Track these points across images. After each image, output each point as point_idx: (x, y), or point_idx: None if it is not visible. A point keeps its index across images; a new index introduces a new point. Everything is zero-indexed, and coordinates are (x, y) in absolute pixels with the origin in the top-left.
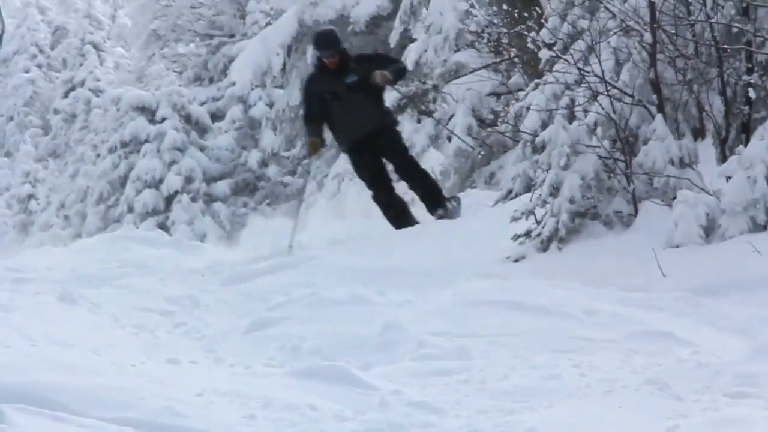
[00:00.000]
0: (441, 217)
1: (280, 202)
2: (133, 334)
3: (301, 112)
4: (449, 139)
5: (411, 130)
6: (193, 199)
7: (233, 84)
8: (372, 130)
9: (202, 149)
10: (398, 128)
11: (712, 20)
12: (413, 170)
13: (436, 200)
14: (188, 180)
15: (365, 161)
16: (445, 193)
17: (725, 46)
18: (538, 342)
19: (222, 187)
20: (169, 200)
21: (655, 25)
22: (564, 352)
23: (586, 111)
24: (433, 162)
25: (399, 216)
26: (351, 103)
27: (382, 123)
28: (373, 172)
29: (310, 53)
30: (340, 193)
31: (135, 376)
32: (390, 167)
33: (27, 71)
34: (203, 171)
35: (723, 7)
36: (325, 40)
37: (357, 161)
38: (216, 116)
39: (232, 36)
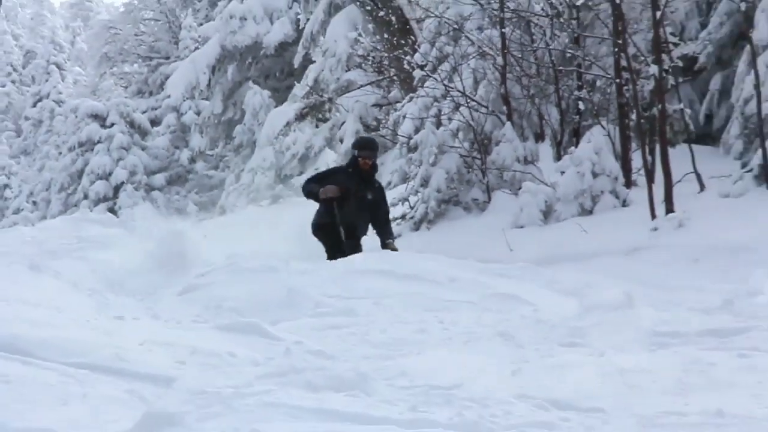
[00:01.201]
0: None
1: (205, 191)
2: (88, 296)
3: (307, 178)
4: (341, 140)
5: (311, 134)
6: (136, 189)
7: (168, 96)
8: (350, 235)
9: (143, 148)
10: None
11: (551, 47)
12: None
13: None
14: (132, 173)
15: (332, 244)
16: None
17: (560, 67)
18: (410, 303)
19: (159, 179)
20: (117, 189)
21: (505, 51)
22: (431, 311)
23: (450, 119)
24: (328, 159)
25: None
26: (356, 209)
27: (358, 235)
28: (333, 250)
29: (231, 73)
30: (254, 183)
31: (89, 329)
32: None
33: (3, 86)
34: (144, 166)
35: (559, 37)
36: (370, 144)
37: (328, 239)
38: (154, 122)
39: (167, 58)
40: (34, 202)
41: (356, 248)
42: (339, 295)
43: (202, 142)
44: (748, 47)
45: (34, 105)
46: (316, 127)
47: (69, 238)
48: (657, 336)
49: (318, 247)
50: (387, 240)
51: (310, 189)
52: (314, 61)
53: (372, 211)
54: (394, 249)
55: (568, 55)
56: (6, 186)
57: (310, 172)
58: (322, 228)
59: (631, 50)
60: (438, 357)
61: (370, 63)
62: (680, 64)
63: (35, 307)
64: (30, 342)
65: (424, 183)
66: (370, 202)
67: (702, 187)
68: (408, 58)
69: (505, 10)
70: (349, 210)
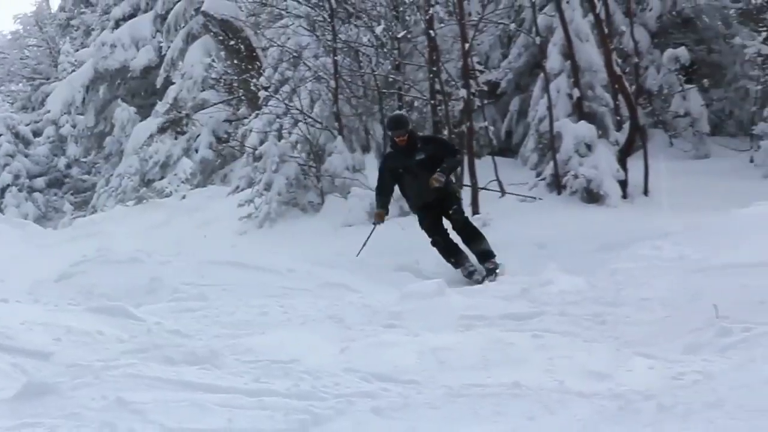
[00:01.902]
0: (489, 272)
1: (79, 193)
2: None
3: (376, 183)
4: (196, 150)
5: (171, 145)
6: (20, 191)
7: (48, 111)
8: (435, 198)
9: (26, 156)
10: (458, 195)
11: (376, 72)
12: (469, 231)
13: (484, 259)
14: (16, 177)
15: (428, 220)
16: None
17: (384, 90)
18: (255, 290)
19: (39, 182)
20: (3, 191)
21: (337, 75)
22: (273, 297)
23: (290, 133)
24: (185, 166)
25: (451, 253)
26: (419, 176)
27: (444, 192)
28: (432, 227)
29: (102, 92)
30: (121, 186)
31: None
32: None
33: None
34: (27, 171)
35: (383, 64)
36: (397, 121)
37: (422, 219)
38: (36, 133)
39: (48, 79)
40: None
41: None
42: (194, 283)
43: (77, 151)
44: (542, 75)
45: None
46: (175, 138)
47: None
48: (464, 319)
49: (173, 241)
50: (435, 174)
51: (376, 200)
52: (174, 83)
53: (435, 162)
54: (432, 183)
55: (391, 79)
56: None
57: (169, 178)
58: (419, 211)
59: (444, 76)
60: (278, 336)
61: (221, 84)
62: (485, 88)
63: None
64: None
65: (267, 187)
66: (426, 159)
67: (503, 192)
68: (254, 80)
69: (337, 40)
70: (414, 182)
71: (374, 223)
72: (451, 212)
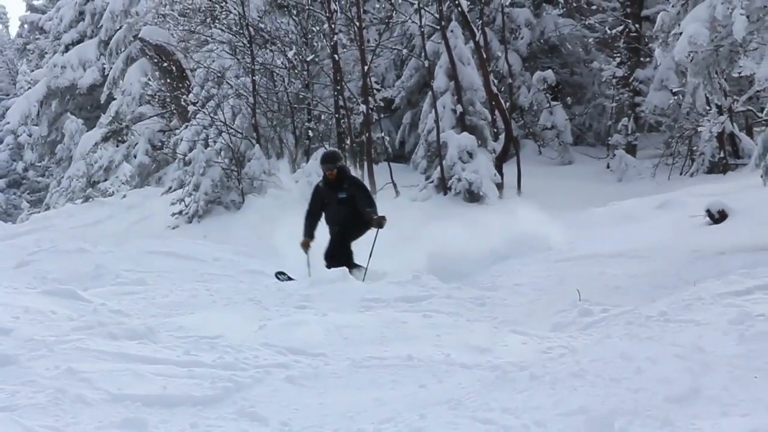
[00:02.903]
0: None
1: (35, 192)
2: None
3: (307, 209)
4: (135, 156)
5: (113, 151)
6: None
7: (8, 123)
8: (338, 233)
9: None
10: (351, 246)
11: (288, 90)
12: (340, 258)
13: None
14: None
15: (329, 247)
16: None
17: (295, 105)
18: (185, 276)
19: (0, 184)
20: None
21: (255, 93)
22: (201, 282)
23: (215, 141)
24: (125, 170)
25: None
26: (336, 211)
27: (348, 232)
28: (328, 255)
29: (54, 106)
30: (71, 187)
31: None
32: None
33: None
34: None
35: (294, 83)
36: (329, 157)
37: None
38: None
39: (7, 95)
40: None
41: (345, 257)
42: (133, 269)
43: (33, 156)
44: (430, 93)
45: None
46: (117, 146)
47: None
48: (364, 301)
49: (115, 234)
50: (370, 213)
51: (303, 229)
52: (115, 98)
53: (351, 204)
54: (376, 218)
55: (301, 96)
56: None
57: (111, 180)
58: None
59: (347, 94)
60: (205, 315)
61: (156, 100)
62: (382, 104)
63: None
64: None
65: (196, 188)
66: (345, 198)
67: (397, 193)
68: (184, 97)
69: (255, 63)
70: (331, 213)
71: (305, 252)
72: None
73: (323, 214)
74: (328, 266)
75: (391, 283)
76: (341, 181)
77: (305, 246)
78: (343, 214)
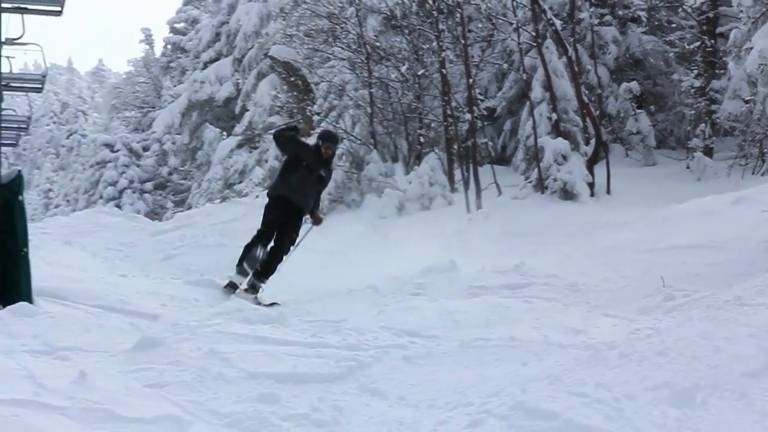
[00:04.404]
0: (251, 287)
1: (178, 194)
2: (102, 262)
3: (282, 133)
4: (266, 160)
5: (246, 157)
6: (133, 192)
7: (154, 132)
8: (297, 206)
9: (138, 166)
10: (304, 219)
11: (401, 101)
12: (277, 246)
13: (259, 275)
14: (131, 182)
15: (271, 217)
16: (265, 284)
17: (408, 114)
18: (310, 266)
19: (148, 186)
20: (121, 192)
21: (372, 103)
22: (325, 269)
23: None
24: (257, 173)
25: (247, 252)
26: (306, 180)
27: (304, 207)
28: (266, 227)
29: (194, 117)
30: (210, 189)
31: (104, 283)
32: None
33: (48, 125)
34: (138, 177)
35: (407, 95)
36: (333, 137)
37: (268, 211)
38: (145, 149)
39: (153, 107)
40: (68, 201)
41: (288, 237)
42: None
43: (176, 162)
44: (528, 102)
45: (68, 138)
46: (250, 152)
47: (90, 224)
48: (471, 288)
49: (249, 230)
50: (315, 209)
51: (283, 132)
52: (248, 110)
53: (318, 186)
54: (318, 216)
55: (413, 106)
56: (50, 190)
57: (245, 182)
58: (271, 199)
59: (454, 104)
60: (330, 302)
61: (284, 111)
62: (485, 113)
63: (68, 268)
64: (66, 291)
65: None
66: (322, 175)
67: (500, 192)
68: (309, 107)
69: (372, 77)
70: (299, 176)
71: (299, 129)
72: (288, 237)
73: (291, 171)
74: (255, 241)
75: (494, 271)
76: (329, 161)
77: (307, 123)
78: (310, 187)
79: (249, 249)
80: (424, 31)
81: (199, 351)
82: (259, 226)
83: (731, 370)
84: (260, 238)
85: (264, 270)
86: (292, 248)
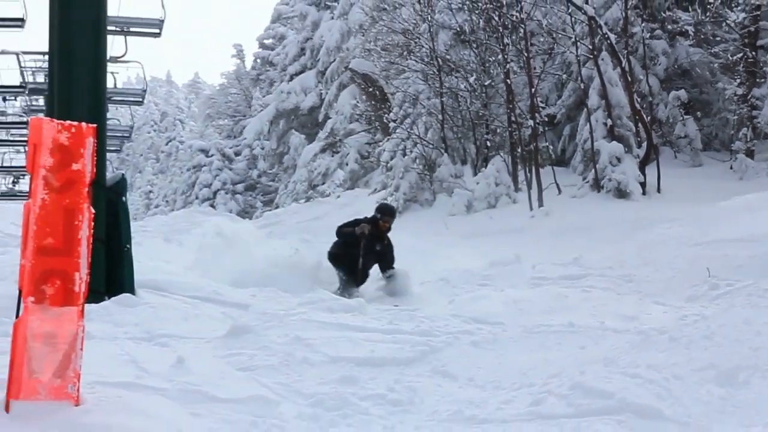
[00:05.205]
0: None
1: (267, 194)
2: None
3: (339, 227)
4: (347, 164)
5: (329, 160)
6: (226, 193)
7: (245, 138)
8: (361, 275)
9: (230, 169)
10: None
11: (470, 109)
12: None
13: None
14: (224, 184)
15: (348, 270)
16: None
17: (476, 121)
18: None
19: (239, 187)
20: (215, 193)
21: (443, 111)
22: (398, 264)
23: (411, 151)
24: (339, 175)
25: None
26: (365, 257)
27: (364, 276)
28: (349, 276)
29: (281, 125)
30: (296, 189)
31: (198, 276)
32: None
33: (149, 133)
34: (230, 179)
35: (475, 103)
36: (392, 211)
37: (344, 267)
38: (237, 153)
39: (244, 116)
40: (167, 201)
41: (365, 277)
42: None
43: (265, 165)
44: (585, 109)
45: (167, 144)
46: (332, 156)
47: (187, 223)
48: (534, 279)
49: (331, 227)
50: (389, 271)
51: (343, 230)
52: (330, 117)
53: (378, 258)
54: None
55: (480, 113)
56: (150, 191)
57: (328, 184)
58: (339, 257)
59: (518, 111)
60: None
61: (363, 118)
62: (546, 119)
63: (167, 263)
64: (165, 283)
65: (396, 189)
66: (378, 252)
67: (559, 191)
68: (386, 115)
69: (443, 87)
70: (356, 257)
71: (362, 233)
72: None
73: (350, 246)
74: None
75: (554, 264)
76: (384, 235)
77: (366, 229)
78: (370, 260)
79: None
80: (491, 45)
81: (285, 337)
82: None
83: None
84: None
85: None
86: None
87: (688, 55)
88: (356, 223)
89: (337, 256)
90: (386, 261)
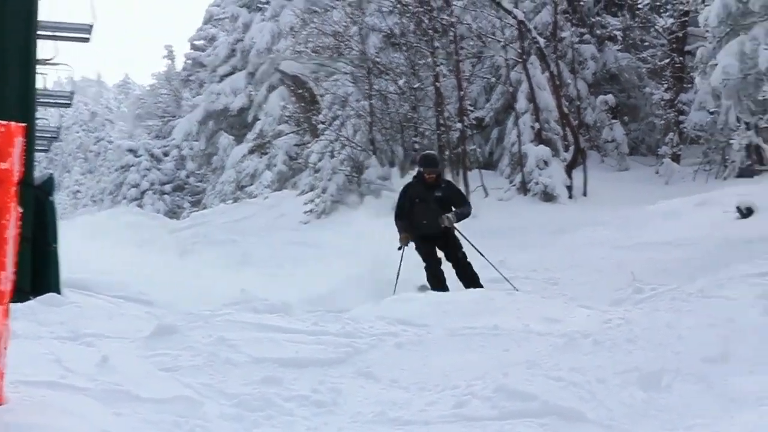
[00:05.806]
0: None
1: (194, 195)
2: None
3: (395, 210)
4: (275, 165)
5: (257, 162)
6: (154, 193)
7: (173, 139)
8: (435, 234)
9: (158, 169)
10: (459, 242)
11: (399, 111)
12: (468, 273)
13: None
14: (152, 184)
15: (424, 249)
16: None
17: (404, 124)
18: (314, 261)
19: (167, 188)
20: (143, 194)
21: (371, 113)
22: (326, 264)
23: (339, 153)
24: (267, 177)
25: (437, 283)
26: (430, 209)
27: (446, 233)
28: (428, 255)
29: (210, 125)
30: (224, 190)
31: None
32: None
33: (78, 132)
34: (158, 180)
35: (404, 105)
36: (432, 160)
37: (420, 247)
38: (165, 154)
39: (173, 116)
40: (94, 201)
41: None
42: (273, 256)
43: (194, 166)
44: (513, 113)
45: (95, 144)
46: (260, 157)
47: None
48: (458, 282)
49: (258, 228)
50: (448, 214)
51: (397, 225)
52: (259, 119)
53: (446, 203)
54: (442, 221)
55: (409, 116)
56: (78, 191)
57: (256, 185)
58: (415, 240)
59: (446, 114)
60: (335, 294)
61: (292, 120)
62: (474, 122)
63: (93, 262)
64: (91, 282)
65: (323, 191)
66: (442, 197)
67: (486, 194)
68: (315, 117)
69: (372, 89)
70: (422, 214)
71: (400, 247)
72: (459, 255)
73: (411, 214)
74: (431, 270)
75: (479, 267)
76: (438, 182)
77: (405, 240)
78: (436, 212)
79: (437, 282)
80: (421, 48)
81: (210, 338)
82: (423, 263)
83: (693, 357)
84: (431, 267)
85: (474, 283)
86: (465, 253)
87: (616, 60)
88: (403, 199)
89: (406, 227)
90: (454, 202)
